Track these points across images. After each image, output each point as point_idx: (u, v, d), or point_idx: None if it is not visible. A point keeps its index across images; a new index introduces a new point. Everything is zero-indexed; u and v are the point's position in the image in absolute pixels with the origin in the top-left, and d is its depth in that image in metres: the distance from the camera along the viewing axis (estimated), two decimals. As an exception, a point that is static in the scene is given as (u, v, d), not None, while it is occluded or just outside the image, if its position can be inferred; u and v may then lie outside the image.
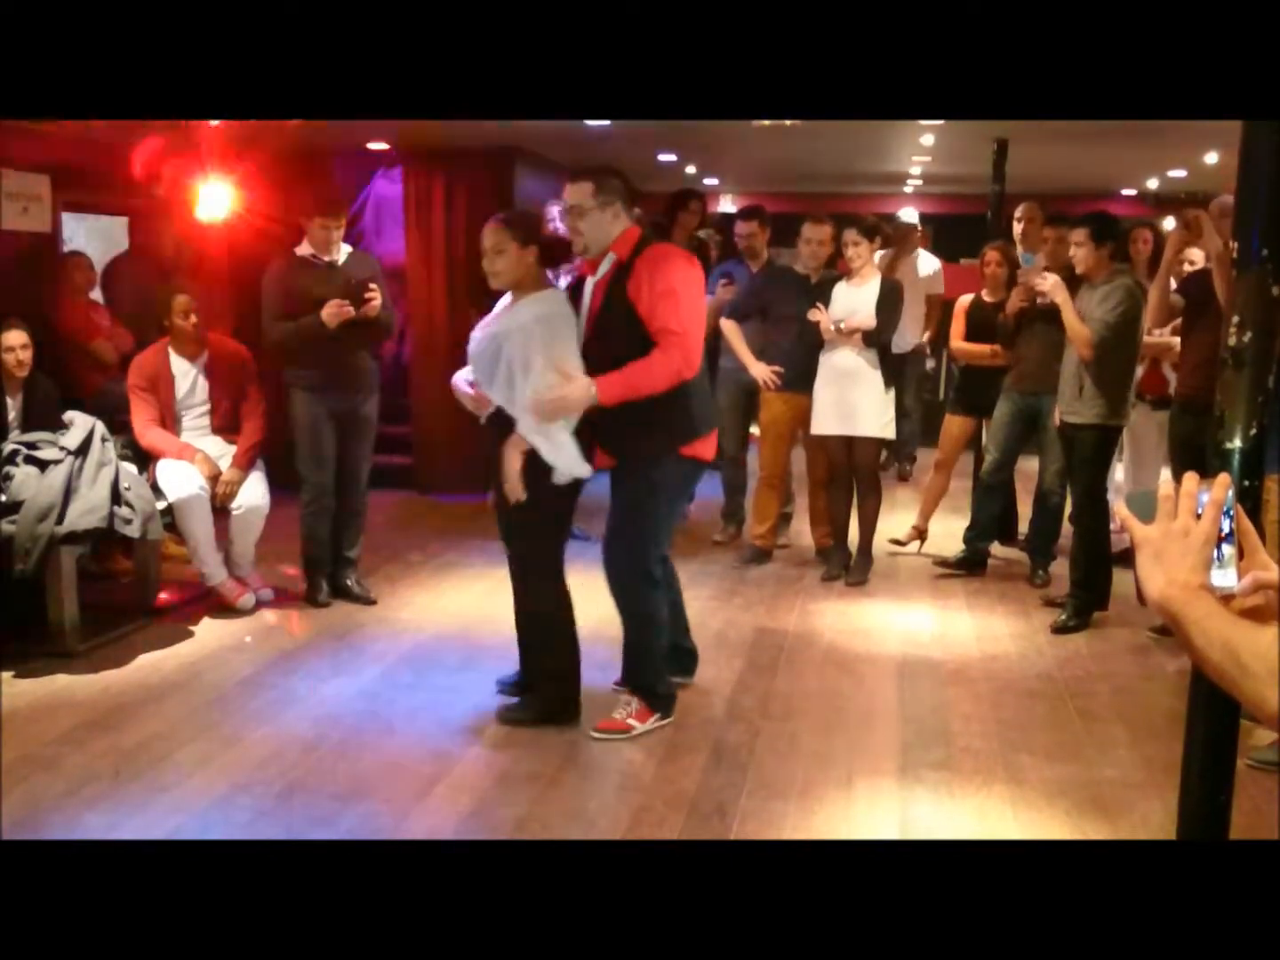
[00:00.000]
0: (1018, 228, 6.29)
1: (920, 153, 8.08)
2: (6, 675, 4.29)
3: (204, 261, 7.41)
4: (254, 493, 5.11)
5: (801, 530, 6.45)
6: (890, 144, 7.67)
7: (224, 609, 5.09)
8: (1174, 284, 5.01)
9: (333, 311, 4.83)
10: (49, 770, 3.52)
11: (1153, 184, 9.97)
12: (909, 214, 8.85)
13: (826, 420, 5.59)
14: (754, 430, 6.30)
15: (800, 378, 5.63)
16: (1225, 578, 1.23)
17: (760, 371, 5.73)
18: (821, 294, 5.56)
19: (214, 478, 5.01)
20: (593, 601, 3.96)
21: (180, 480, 4.94)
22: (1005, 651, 4.83)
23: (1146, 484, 5.44)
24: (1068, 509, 5.45)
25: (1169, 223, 8.75)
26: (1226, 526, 1.24)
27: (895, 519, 6.54)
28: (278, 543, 5.51)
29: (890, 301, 5.50)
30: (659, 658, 3.94)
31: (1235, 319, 2.24)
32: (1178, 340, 5.15)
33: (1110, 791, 3.52)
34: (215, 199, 6.68)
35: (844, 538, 5.87)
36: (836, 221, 5.75)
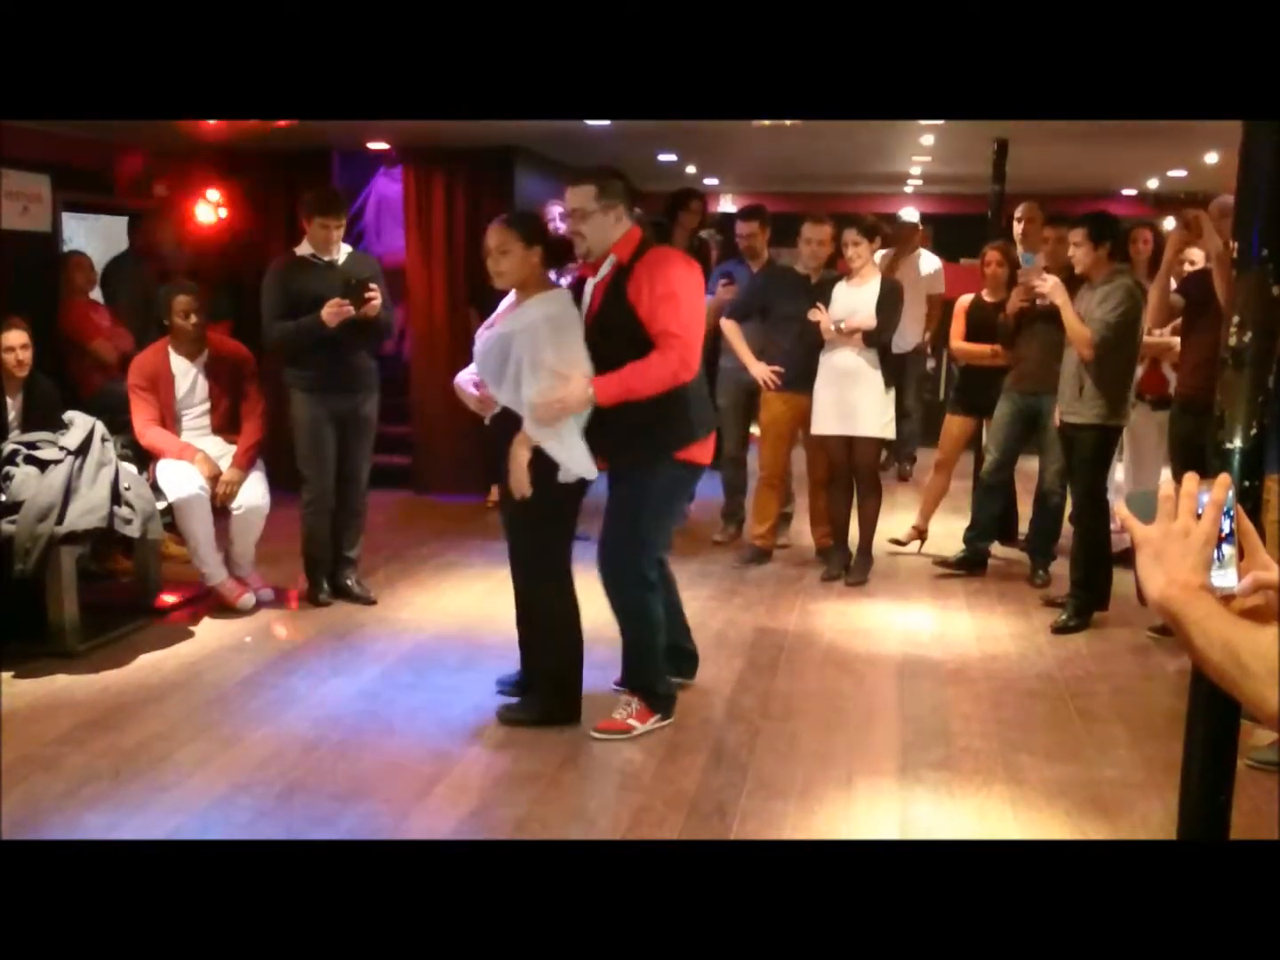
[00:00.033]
0: (1018, 228, 6.29)
1: (920, 153, 8.08)
2: (6, 675, 4.29)
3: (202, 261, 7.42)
4: (254, 493, 5.11)
5: (801, 530, 6.45)
6: (890, 144, 7.67)
7: (224, 609, 5.09)
8: (1174, 284, 5.01)
9: (333, 311, 4.83)
10: (49, 770, 3.52)
11: (1153, 184, 9.96)
12: (909, 213, 8.85)
13: (827, 420, 5.59)
14: (754, 430, 6.30)
15: (800, 378, 5.63)
16: (1225, 578, 1.23)
17: (760, 371, 5.73)
18: (822, 294, 5.56)
19: (214, 478, 5.01)
20: (593, 602, 3.96)
21: (180, 480, 4.94)
22: (1005, 651, 4.83)
23: (1146, 484, 5.44)
24: (1068, 509, 5.45)
25: (1169, 223, 8.75)
26: (1227, 527, 1.24)
27: (895, 519, 6.54)
28: (278, 543, 5.51)
29: (890, 301, 5.50)
30: (658, 658, 3.94)
31: (1235, 319, 2.24)
32: (1178, 340, 5.15)
33: (1110, 791, 3.52)
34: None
35: (844, 538, 5.87)
36: (836, 221, 5.75)
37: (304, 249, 5.06)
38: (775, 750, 3.79)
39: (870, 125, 6.38)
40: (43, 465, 4.49)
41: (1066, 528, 5.52)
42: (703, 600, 5.36)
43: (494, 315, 3.93)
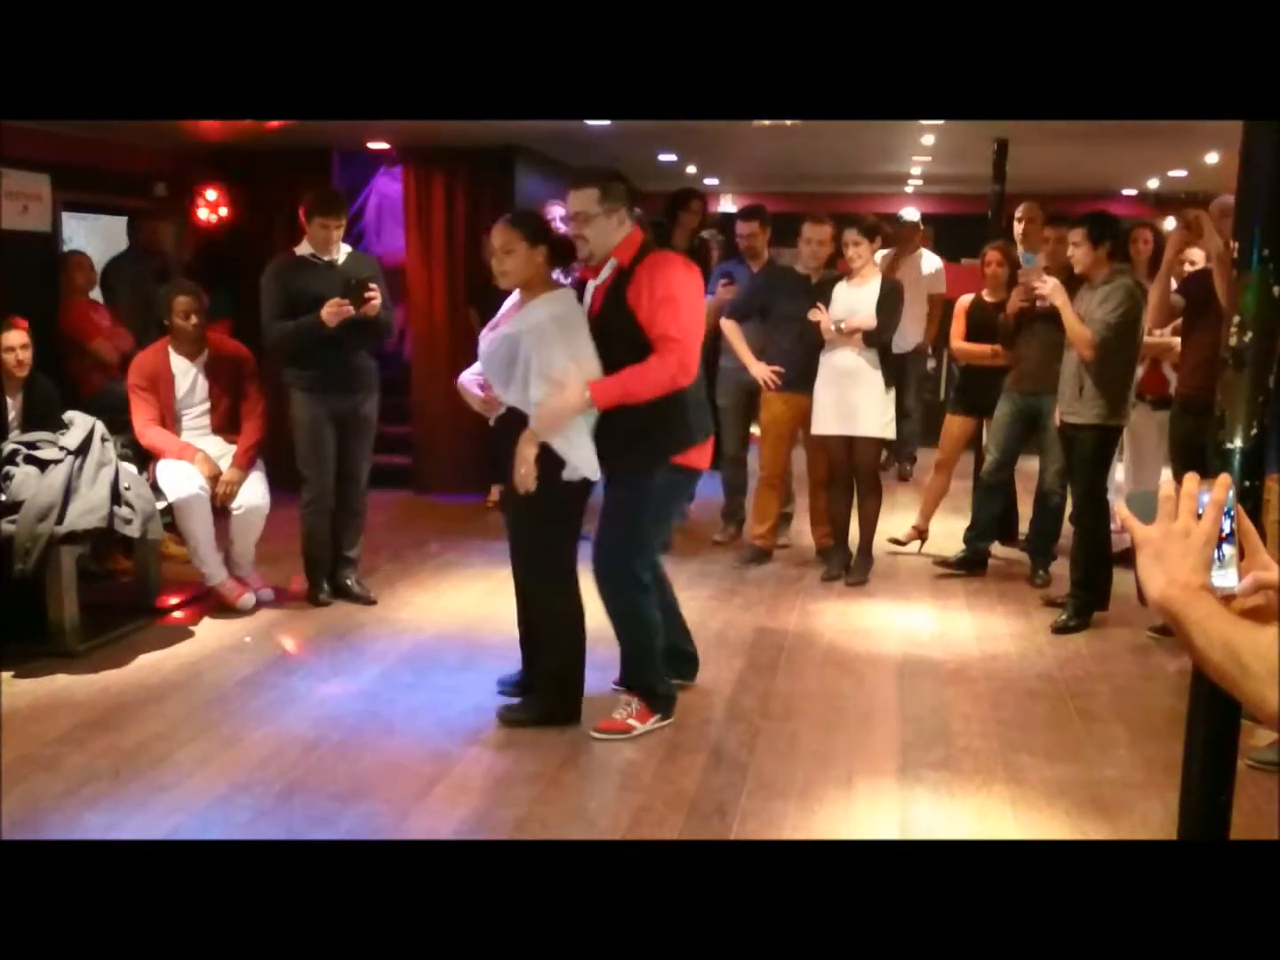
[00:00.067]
0: (1018, 227, 6.29)
1: (920, 152, 8.08)
2: (6, 675, 4.29)
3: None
4: (254, 493, 5.11)
5: (802, 530, 6.45)
6: (890, 144, 7.67)
7: (224, 609, 5.09)
8: (1174, 284, 5.01)
9: (332, 311, 4.82)
10: (49, 770, 3.52)
11: (1153, 184, 9.97)
12: (910, 213, 8.84)
13: (827, 420, 5.59)
14: (754, 430, 6.30)
15: (800, 378, 5.63)
16: (1226, 578, 1.23)
17: (760, 371, 5.73)
18: (822, 294, 5.56)
19: (214, 477, 5.01)
20: (594, 602, 3.96)
21: (180, 480, 4.94)
22: (1005, 651, 4.83)
23: (1147, 484, 5.44)
24: (1068, 509, 5.45)
25: (1169, 223, 8.75)
26: (1227, 527, 1.24)
27: (895, 519, 6.54)
28: (278, 543, 5.51)
29: (890, 301, 5.50)
30: (656, 658, 3.94)
31: (1236, 319, 2.24)
32: (1178, 340, 5.15)
33: (1110, 791, 3.52)
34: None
35: (844, 538, 5.87)
36: (837, 221, 5.75)
37: (304, 249, 5.06)
38: (775, 750, 3.79)
39: (870, 125, 6.38)
40: (43, 465, 4.49)
41: (1066, 528, 5.52)
42: (703, 600, 5.36)
43: (498, 316, 3.92)
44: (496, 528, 6.04)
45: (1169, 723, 3.79)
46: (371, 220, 8.91)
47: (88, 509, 4.44)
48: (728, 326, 5.84)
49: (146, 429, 5.05)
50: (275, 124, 6.04)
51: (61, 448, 4.56)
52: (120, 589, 5.30)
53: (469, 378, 3.97)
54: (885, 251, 7.63)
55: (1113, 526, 5.10)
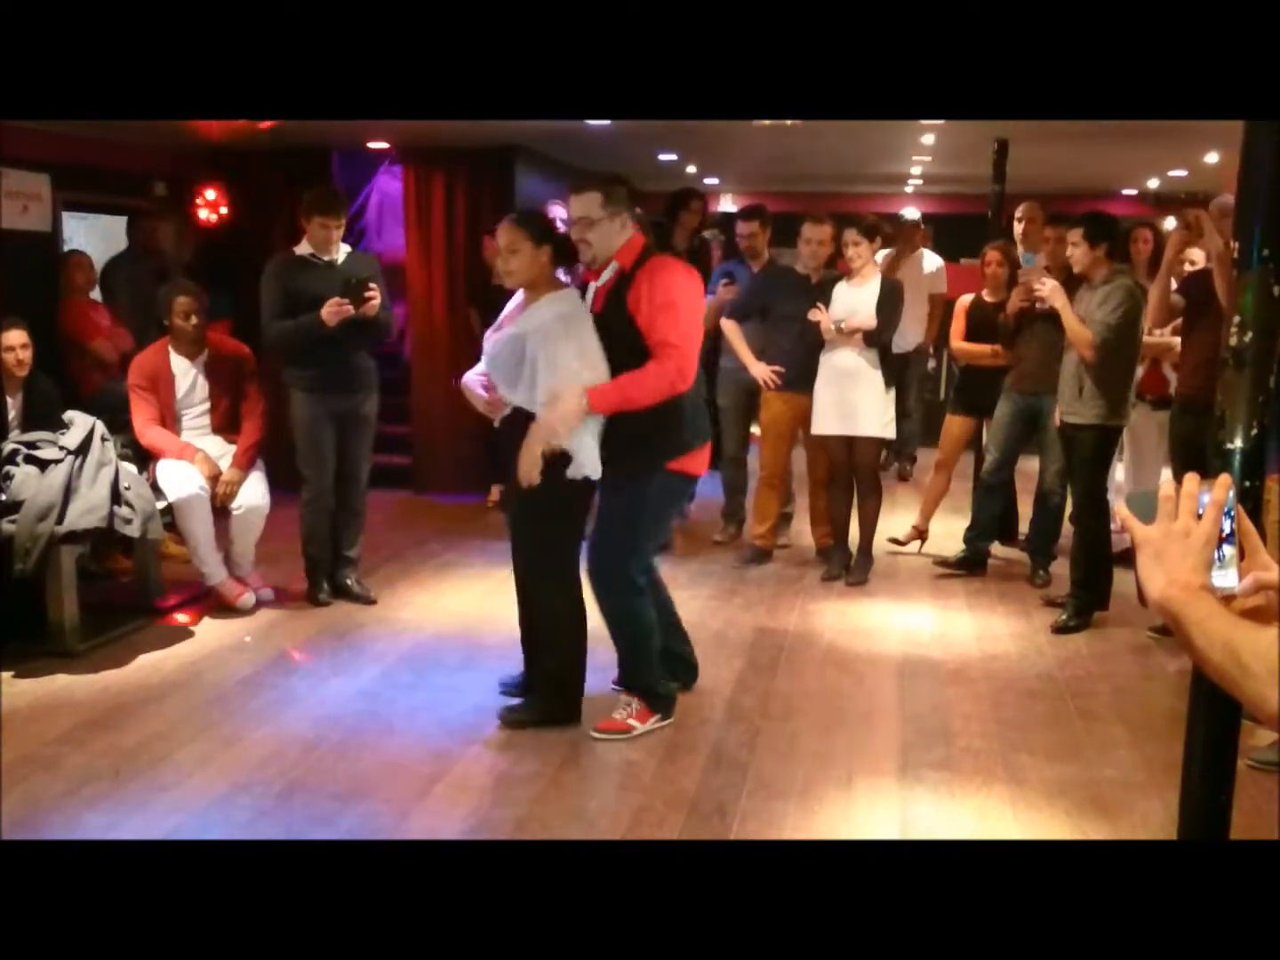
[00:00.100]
0: (1018, 227, 6.29)
1: (921, 152, 8.08)
2: (6, 675, 4.29)
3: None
4: (254, 492, 5.11)
5: (802, 530, 6.45)
6: (890, 144, 7.67)
7: (224, 609, 5.09)
8: (1174, 284, 5.01)
9: (332, 310, 4.82)
10: (49, 770, 3.52)
11: (1153, 184, 9.97)
12: (911, 212, 8.84)
13: (827, 420, 5.59)
14: (754, 430, 6.30)
15: (801, 378, 5.63)
16: (1226, 578, 1.23)
17: (760, 371, 5.73)
18: (822, 294, 5.56)
19: (214, 477, 5.01)
20: (593, 603, 3.96)
21: (180, 480, 4.94)
22: (1005, 651, 4.83)
23: (1147, 484, 5.44)
24: (1068, 509, 5.45)
25: (1169, 222, 8.76)
26: (1227, 527, 1.24)
27: (895, 519, 6.54)
28: (278, 543, 5.51)
29: (890, 301, 5.50)
30: (654, 659, 3.94)
31: (1236, 319, 2.23)
32: (1178, 340, 5.15)
33: (1110, 791, 3.52)
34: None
35: (844, 538, 5.87)
36: (837, 221, 5.75)
37: (303, 248, 5.06)
38: (775, 750, 3.79)
39: (870, 125, 6.37)
40: (43, 465, 4.49)
41: (1066, 528, 5.52)
42: (703, 600, 5.37)
43: (502, 317, 3.91)
44: (496, 528, 6.05)
45: (1169, 723, 3.79)
46: (373, 217, 8.92)
47: (88, 509, 4.44)
48: (728, 326, 5.84)
49: (146, 429, 5.05)
50: (266, 123, 6.03)
51: (61, 447, 4.56)
52: (120, 589, 5.30)
53: (473, 379, 3.96)
54: (886, 251, 7.63)
55: (1113, 526, 5.10)
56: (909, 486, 8.26)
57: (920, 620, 5.22)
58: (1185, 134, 6.31)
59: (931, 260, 8.46)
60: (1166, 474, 5.12)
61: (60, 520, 4.38)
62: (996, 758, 3.75)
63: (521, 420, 3.70)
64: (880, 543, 5.97)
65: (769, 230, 6.16)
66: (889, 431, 5.67)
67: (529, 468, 3.63)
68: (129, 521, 4.57)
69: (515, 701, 4.03)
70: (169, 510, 4.94)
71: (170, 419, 5.12)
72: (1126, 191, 10.65)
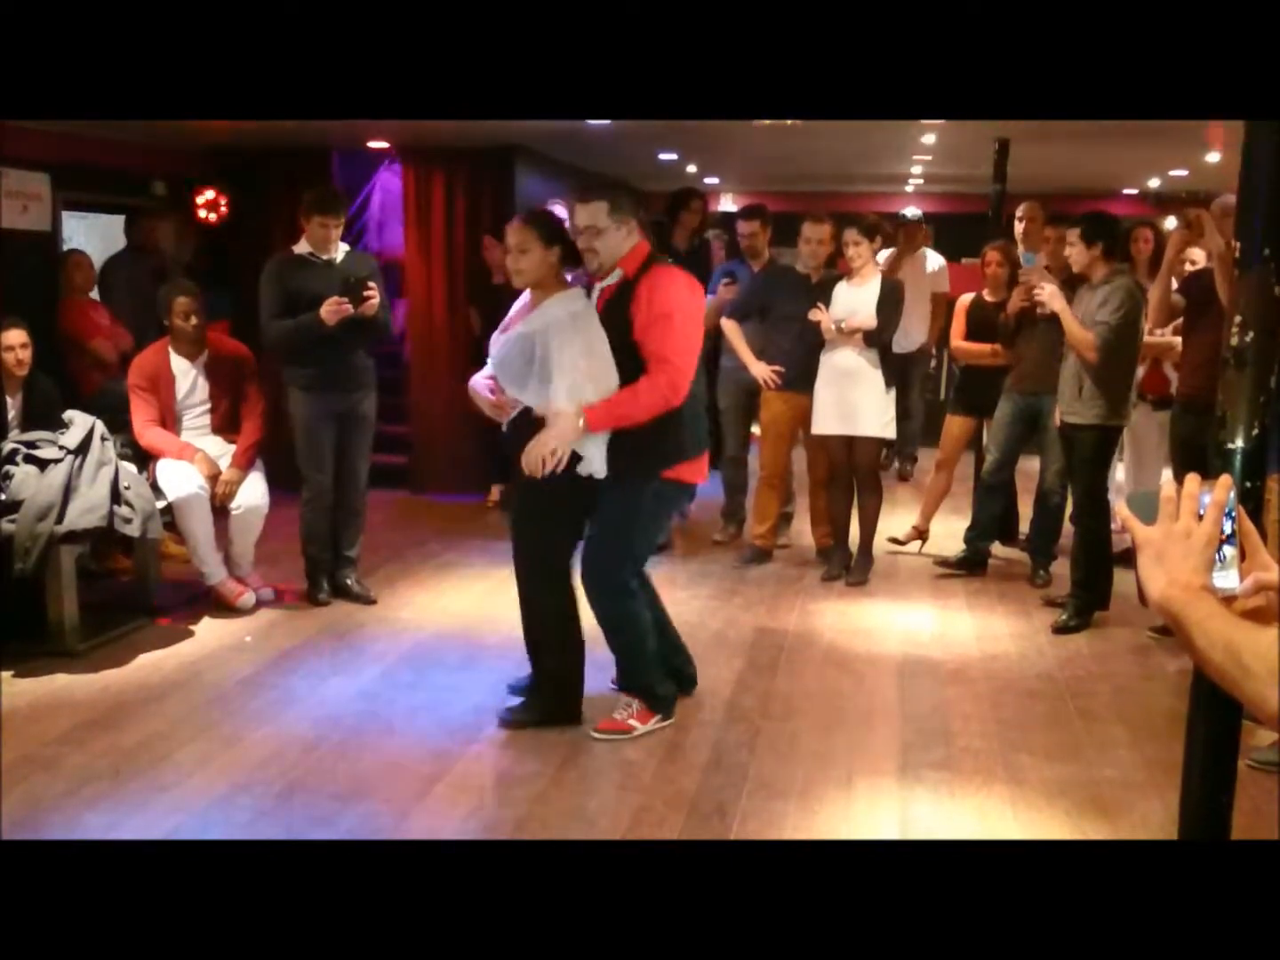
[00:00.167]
0: (1019, 227, 6.29)
1: (921, 152, 8.08)
2: (6, 675, 4.29)
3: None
4: (254, 492, 5.11)
5: (802, 530, 6.45)
6: (891, 144, 7.67)
7: (224, 609, 5.09)
8: (1175, 284, 5.01)
9: (331, 309, 4.82)
10: (49, 770, 3.52)
11: (1154, 183, 9.96)
12: (913, 211, 8.83)
13: (827, 420, 5.59)
14: (754, 430, 6.30)
15: (801, 377, 5.63)
16: (1227, 579, 1.23)
17: (761, 371, 5.73)
18: (822, 294, 5.56)
19: (214, 477, 5.01)
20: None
21: (180, 480, 4.94)
22: (1005, 651, 4.83)
23: (1147, 484, 5.44)
24: (1068, 509, 5.45)
25: (1170, 222, 8.75)
26: (1228, 528, 1.24)
27: (896, 519, 6.54)
28: (278, 543, 5.51)
29: (891, 301, 5.50)
30: (652, 659, 3.94)
31: (1237, 319, 2.23)
32: (1179, 340, 5.15)
33: (1110, 791, 3.52)
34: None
35: (844, 538, 5.87)
36: (837, 221, 5.75)
37: (302, 247, 5.06)
38: (775, 750, 3.79)
39: (871, 125, 6.37)
40: (42, 464, 4.49)
41: (1067, 528, 5.51)
42: (703, 600, 5.37)
43: (508, 318, 3.89)
44: (496, 528, 6.06)
45: (1169, 723, 3.79)
46: (374, 215, 8.92)
47: (87, 508, 4.44)
48: (728, 326, 5.84)
49: (146, 429, 5.05)
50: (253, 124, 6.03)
51: (61, 447, 4.56)
52: (120, 589, 5.30)
53: (479, 382, 3.93)
54: (888, 250, 7.63)
55: (1113, 526, 5.10)
56: (909, 486, 8.26)
57: (920, 620, 5.22)
58: (1186, 134, 6.30)
59: (934, 259, 8.46)
60: (1167, 474, 5.12)
61: (60, 520, 4.38)
62: (996, 758, 3.75)
63: (528, 422, 3.69)
64: (880, 543, 5.97)
65: (769, 230, 6.15)
66: (889, 431, 5.67)
67: (534, 456, 3.58)
68: (129, 521, 4.57)
69: (516, 701, 4.03)
70: (169, 510, 4.94)
71: (170, 419, 5.12)
72: (1127, 191, 10.64)
